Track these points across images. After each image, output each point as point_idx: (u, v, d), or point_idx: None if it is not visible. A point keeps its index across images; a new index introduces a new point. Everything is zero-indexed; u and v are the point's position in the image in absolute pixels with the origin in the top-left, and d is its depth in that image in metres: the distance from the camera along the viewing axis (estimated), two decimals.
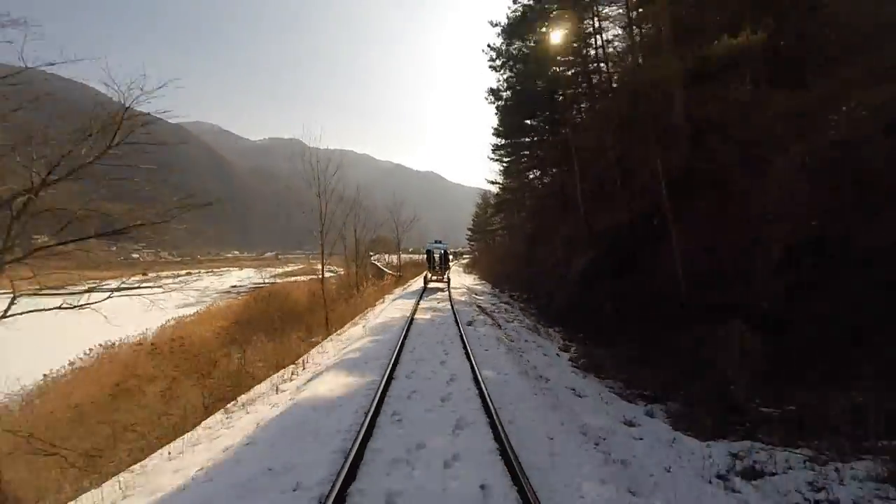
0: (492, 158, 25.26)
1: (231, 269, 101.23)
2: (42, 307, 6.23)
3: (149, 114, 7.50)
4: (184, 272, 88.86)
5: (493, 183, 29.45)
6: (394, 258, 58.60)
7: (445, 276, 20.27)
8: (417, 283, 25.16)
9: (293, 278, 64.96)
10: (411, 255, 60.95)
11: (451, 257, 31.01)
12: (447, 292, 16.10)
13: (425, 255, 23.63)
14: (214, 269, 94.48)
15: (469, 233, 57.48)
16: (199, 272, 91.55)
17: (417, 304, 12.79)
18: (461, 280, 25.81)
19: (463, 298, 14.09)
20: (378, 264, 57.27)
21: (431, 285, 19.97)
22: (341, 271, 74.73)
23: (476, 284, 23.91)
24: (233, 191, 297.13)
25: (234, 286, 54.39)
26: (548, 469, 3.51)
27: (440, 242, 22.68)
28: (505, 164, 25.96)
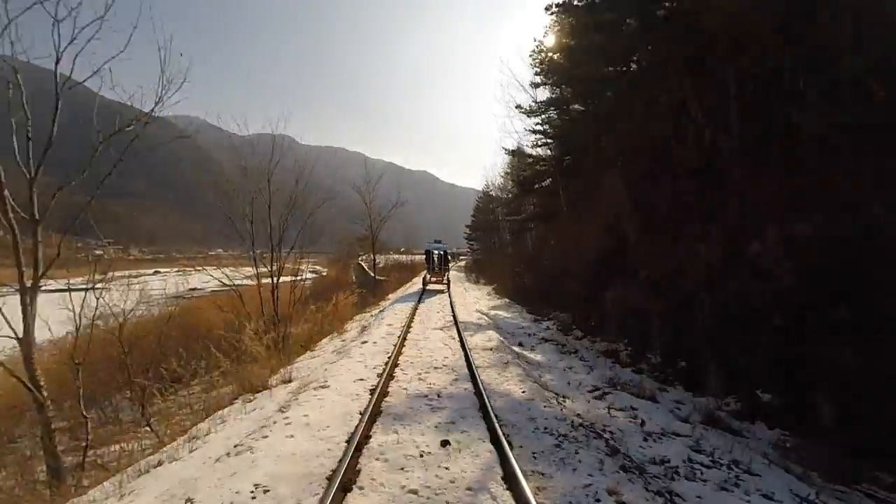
0: (533, 62, 16.58)
1: (208, 267, 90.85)
2: None
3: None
4: (150, 271, 79.67)
5: (509, 154, 20.65)
6: (380, 259, 50.05)
7: (445, 278, 19.68)
8: (402, 299, 17.13)
9: (264, 280, 55.97)
10: (399, 257, 52.96)
11: (450, 258, 29.24)
12: (458, 341, 7.63)
13: (424, 256, 23.06)
14: (187, 268, 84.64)
15: (467, 231, 48.79)
16: (168, 271, 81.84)
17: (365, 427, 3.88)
18: (470, 298, 17.87)
19: (511, 385, 5.38)
20: (364, 265, 49.05)
21: (431, 287, 19.56)
22: (325, 272, 65.21)
23: (498, 310, 14.65)
24: (219, 187, 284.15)
25: (194, 289, 45.44)
26: None
27: (440, 242, 21.83)
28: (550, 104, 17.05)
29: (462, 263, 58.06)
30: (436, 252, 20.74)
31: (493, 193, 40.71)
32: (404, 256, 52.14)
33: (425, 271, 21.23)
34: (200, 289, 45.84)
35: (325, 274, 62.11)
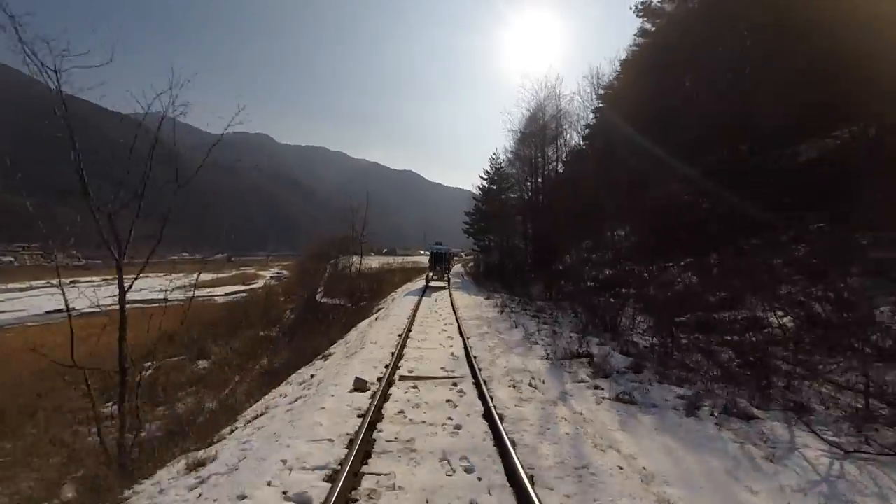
0: None
1: (149, 275, 77.75)
2: None
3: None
4: (68, 281, 66.39)
5: None
6: (370, 262, 38.39)
7: (446, 277, 22.19)
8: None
9: (199, 293, 44.21)
10: (371, 261, 42.46)
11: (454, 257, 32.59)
12: None
13: (428, 257, 25.35)
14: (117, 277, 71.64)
15: (467, 223, 37.65)
16: (92, 280, 68.77)
17: None
18: None
19: None
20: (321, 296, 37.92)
21: (433, 284, 21.39)
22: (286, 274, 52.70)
23: None
24: (185, 188, 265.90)
25: (50, 312, 33.17)
26: None
27: (441, 244, 25.09)
28: None
29: (459, 267, 46.70)
30: (437, 253, 23.36)
31: (502, 167, 30.69)
32: (375, 261, 41.42)
33: (428, 271, 23.79)
34: (58, 311, 33.86)
35: (283, 278, 51.12)
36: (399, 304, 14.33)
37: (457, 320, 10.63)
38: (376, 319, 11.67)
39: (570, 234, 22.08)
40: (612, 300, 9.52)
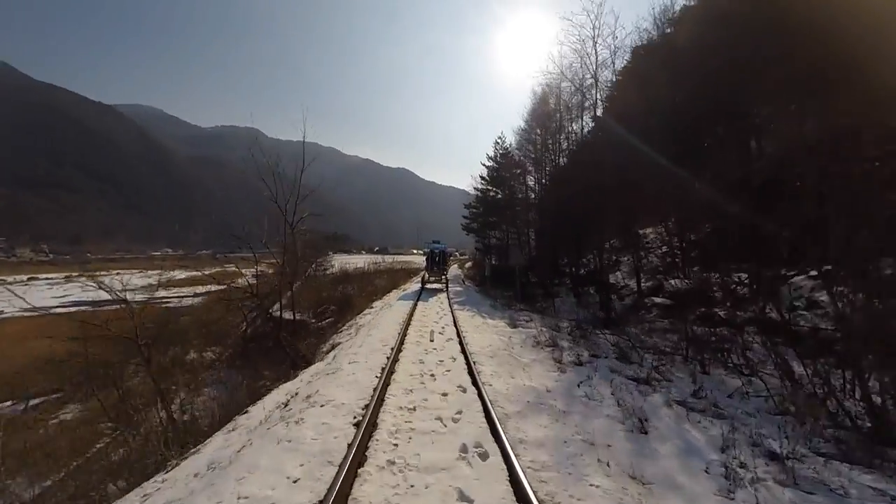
0: None
1: (123, 271, 72.13)
2: None
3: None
4: (25, 277, 60.69)
5: None
6: (357, 260, 34.01)
7: (443, 278, 20.00)
8: None
9: (164, 294, 39.35)
10: (354, 259, 37.99)
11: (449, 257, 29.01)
12: None
13: (425, 256, 23.57)
14: (93, 274, 65.88)
15: (467, 219, 32.56)
16: (53, 278, 63.19)
17: None
18: None
19: None
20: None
21: (429, 286, 19.63)
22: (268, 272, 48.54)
23: None
24: (171, 181, 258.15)
25: None
26: None
27: (438, 243, 22.55)
28: None
29: (455, 269, 41.97)
30: (436, 252, 21.16)
31: (509, 152, 26.65)
32: (361, 260, 36.98)
33: (425, 271, 21.80)
34: None
35: (264, 278, 46.21)
36: (368, 338, 7.94)
37: (490, 423, 3.97)
38: (308, 397, 4.71)
39: (591, 230, 18.06)
40: (729, 334, 5.43)
